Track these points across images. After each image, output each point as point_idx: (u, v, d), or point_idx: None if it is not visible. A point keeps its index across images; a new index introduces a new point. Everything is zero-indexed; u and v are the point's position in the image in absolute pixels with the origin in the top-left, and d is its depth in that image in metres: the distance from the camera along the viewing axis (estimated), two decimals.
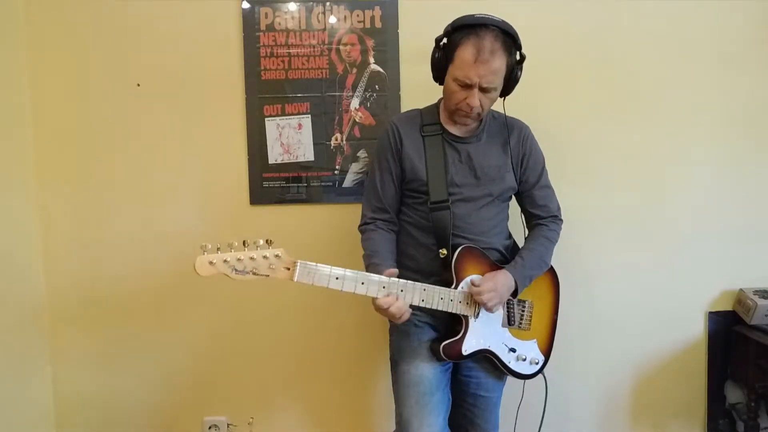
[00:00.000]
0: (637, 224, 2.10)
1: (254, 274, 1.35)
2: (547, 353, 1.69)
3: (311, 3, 2.00)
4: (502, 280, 1.53)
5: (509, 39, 1.48)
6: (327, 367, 2.15)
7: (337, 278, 1.40)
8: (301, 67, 2.02)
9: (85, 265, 2.08)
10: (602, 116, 2.07)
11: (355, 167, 2.05)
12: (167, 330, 2.12)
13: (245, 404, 2.16)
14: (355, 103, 2.04)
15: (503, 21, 1.48)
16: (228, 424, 2.15)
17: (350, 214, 1.92)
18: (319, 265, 1.39)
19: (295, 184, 2.06)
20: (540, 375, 1.70)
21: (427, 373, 1.56)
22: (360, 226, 1.67)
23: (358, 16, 2.01)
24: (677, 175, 2.09)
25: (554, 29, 2.03)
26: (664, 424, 2.20)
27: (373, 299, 1.45)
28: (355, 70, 2.03)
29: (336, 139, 2.05)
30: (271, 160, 2.05)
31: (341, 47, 2.02)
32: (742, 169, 2.10)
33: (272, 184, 2.06)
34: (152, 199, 2.07)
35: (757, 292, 2.06)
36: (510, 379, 1.68)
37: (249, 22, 2.00)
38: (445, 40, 1.53)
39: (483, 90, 1.48)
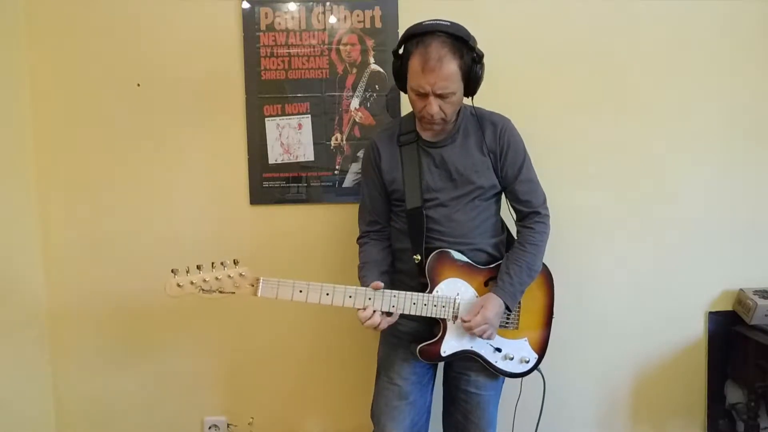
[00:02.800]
0: (637, 224, 2.10)
1: (220, 292, 1.44)
2: (540, 352, 1.67)
3: (311, 3, 2.00)
4: (492, 308, 1.52)
5: (458, 42, 1.45)
6: (327, 367, 2.15)
7: (300, 291, 1.47)
8: (301, 67, 2.02)
9: (84, 266, 2.08)
10: (601, 116, 2.07)
11: (355, 167, 2.04)
12: (167, 330, 2.11)
13: (245, 404, 2.16)
14: (355, 103, 2.03)
15: (452, 24, 1.45)
16: (228, 424, 2.15)
17: (350, 214, 1.91)
18: (281, 280, 1.45)
19: (295, 184, 2.06)
20: (537, 373, 1.68)
21: (399, 380, 1.65)
22: (357, 240, 1.74)
23: (358, 16, 2.01)
24: (677, 174, 2.09)
25: (553, 29, 2.03)
26: (664, 424, 2.20)
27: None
28: (355, 70, 2.02)
29: (336, 139, 2.05)
30: (271, 160, 2.05)
31: (341, 47, 2.02)
32: (742, 168, 2.10)
33: (272, 184, 2.06)
34: (152, 200, 2.07)
35: (757, 292, 2.06)
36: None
37: (249, 22, 2.00)
38: (401, 50, 1.52)
39: (439, 96, 1.46)
